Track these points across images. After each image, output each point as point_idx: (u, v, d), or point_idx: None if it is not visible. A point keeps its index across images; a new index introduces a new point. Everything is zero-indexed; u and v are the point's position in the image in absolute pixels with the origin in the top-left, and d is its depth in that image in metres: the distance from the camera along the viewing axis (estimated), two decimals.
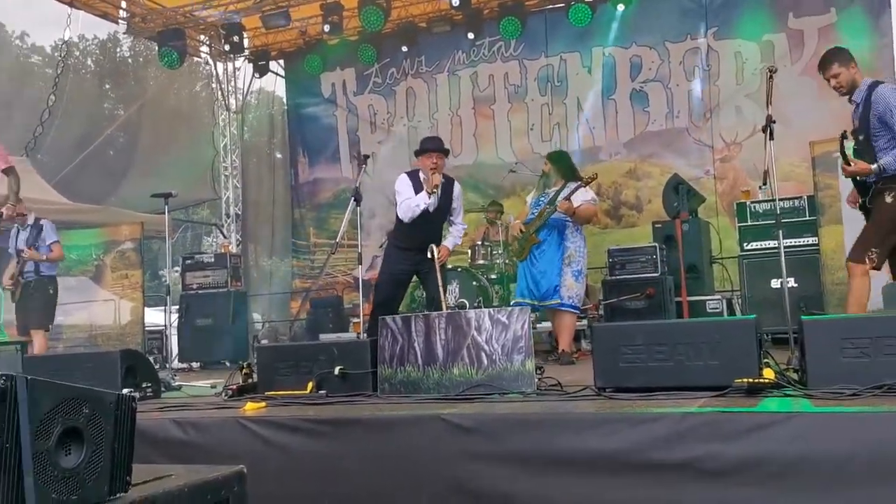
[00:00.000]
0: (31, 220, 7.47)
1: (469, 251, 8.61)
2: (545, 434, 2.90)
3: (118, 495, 1.85)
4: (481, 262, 8.33)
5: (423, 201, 5.86)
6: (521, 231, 6.19)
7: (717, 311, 7.42)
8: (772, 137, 4.76)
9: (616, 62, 11.03)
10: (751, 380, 3.09)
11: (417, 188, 5.96)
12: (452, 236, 6.21)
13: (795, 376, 3.35)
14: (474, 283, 8.07)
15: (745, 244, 7.62)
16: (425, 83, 12.14)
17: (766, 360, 3.27)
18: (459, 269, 8.29)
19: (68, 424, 1.75)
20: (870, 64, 8.80)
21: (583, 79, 11.22)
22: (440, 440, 3.03)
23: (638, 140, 10.88)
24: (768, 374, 3.15)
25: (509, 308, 4.16)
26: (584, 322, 7.51)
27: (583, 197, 6.01)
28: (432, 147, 6.03)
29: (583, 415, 2.97)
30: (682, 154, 10.65)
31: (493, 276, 8.21)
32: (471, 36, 11.30)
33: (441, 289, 5.68)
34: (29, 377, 1.65)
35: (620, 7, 10.31)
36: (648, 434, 2.71)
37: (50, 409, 1.70)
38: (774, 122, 4.80)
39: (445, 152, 6.11)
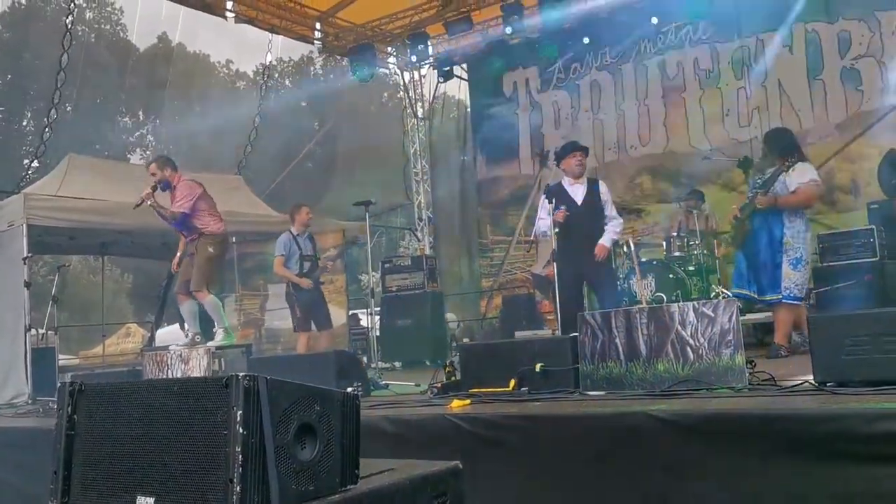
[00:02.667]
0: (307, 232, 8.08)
1: (664, 243, 8.33)
2: (762, 430, 2.76)
3: (349, 487, 1.97)
4: (678, 253, 8.01)
5: (549, 230, 6.07)
6: (735, 217, 5.97)
7: None
8: None
9: (821, 39, 10.22)
10: None
11: (561, 196, 6.15)
12: (607, 232, 6.29)
13: None
14: (671, 275, 7.78)
15: None
16: (610, 75, 11.89)
17: None
18: (655, 262, 8.04)
19: (303, 420, 1.89)
20: None
21: (784, 59, 10.48)
22: (648, 436, 2.96)
23: (851, 121, 10.01)
24: None
25: (714, 300, 4.00)
26: None
27: (800, 179, 5.54)
28: (575, 147, 6.40)
29: (805, 410, 2.79)
30: None
31: (691, 268, 7.88)
32: (655, 21, 10.91)
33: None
34: (269, 377, 1.80)
35: None
36: (887, 430, 2.51)
37: (287, 406, 1.85)
38: None
39: (586, 150, 6.48)
